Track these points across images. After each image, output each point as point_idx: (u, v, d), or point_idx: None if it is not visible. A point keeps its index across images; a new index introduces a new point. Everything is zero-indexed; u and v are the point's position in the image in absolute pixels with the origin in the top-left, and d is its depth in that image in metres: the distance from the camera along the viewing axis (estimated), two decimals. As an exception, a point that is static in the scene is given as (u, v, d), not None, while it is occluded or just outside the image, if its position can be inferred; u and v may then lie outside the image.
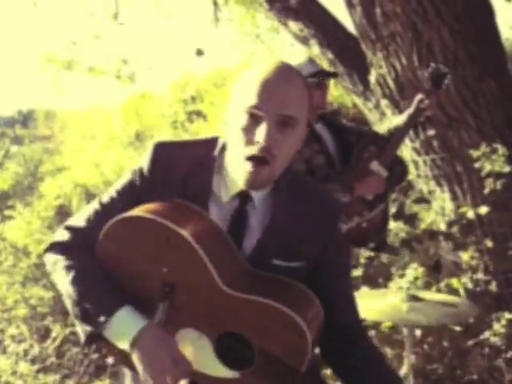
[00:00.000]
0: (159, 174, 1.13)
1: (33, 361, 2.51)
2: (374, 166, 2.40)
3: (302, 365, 1.02)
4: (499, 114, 2.90)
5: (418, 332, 2.49)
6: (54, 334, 2.70)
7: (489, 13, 2.98)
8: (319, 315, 1.09)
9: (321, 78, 2.41)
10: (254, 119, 1.04)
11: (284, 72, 1.06)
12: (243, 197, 1.13)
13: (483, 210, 2.72)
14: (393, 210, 3.33)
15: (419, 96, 2.43)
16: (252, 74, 1.07)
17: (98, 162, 6.29)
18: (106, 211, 1.15)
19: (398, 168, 2.51)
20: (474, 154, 2.62)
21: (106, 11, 5.08)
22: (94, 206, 1.18)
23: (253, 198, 1.13)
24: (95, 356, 2.65)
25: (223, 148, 1.15)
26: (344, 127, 2.62)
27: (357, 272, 2.60)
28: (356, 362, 1.16)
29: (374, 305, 1.80)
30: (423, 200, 3.24)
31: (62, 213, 5.60)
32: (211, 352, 1.07)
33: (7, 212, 4.96)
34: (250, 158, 1.04)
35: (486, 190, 2.64)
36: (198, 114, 6.74)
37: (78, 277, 1.10)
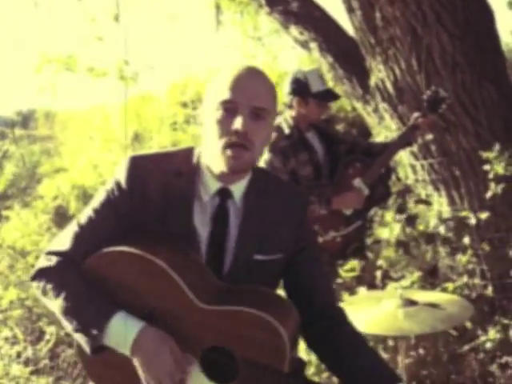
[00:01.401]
0: (137, 185, 1.15)
1: (26, 363, 2.50)
2: (357, 182, 2.43)
3: (284, 365, 1.05)
4: (497, 118, 2.90)
5: (413, 336, 2.48)
6: (47, 337, 2.69)
7: (489, 18, 2.98)
8: (293, 315, 1.13)
9: (326, 100, 2.46)
10: (228, 112, 1.10)
11: (253, 69, 1.15)
12: (223, 194, 1.17)
13: (483, 215, 2.72)
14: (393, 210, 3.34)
15: (415, 115, 2.45)
16: (223, 74, 1.14)
17: (96, 163, 6.29)
18: (86, 233, 1.16)
19: (380, 189, 2.53)
20: (485, 155, 2.59)
21: (107, 13, 5.08)
22: (74, 228, 1.19)
23: (232, 193, 1.17)
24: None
25: (199, 155, 1.19)
26: (335, 137, 2.65)
27: (352, 273, 2.59)
28: (340, 342, 1.17)
29: (368, 315, 1.79)
30: (425, 201, 3.24)
31: (60, 214, 5.59)
32: (197, 370, 1.10)
33: (5, 213, 4.96)
34: (229, 145, 1.09)
35: (489, 194, 2.63)
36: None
37: (69, 295, 1.11)
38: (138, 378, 1.10)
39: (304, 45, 3.62)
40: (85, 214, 1.19)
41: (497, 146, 2.63)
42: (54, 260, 1.16)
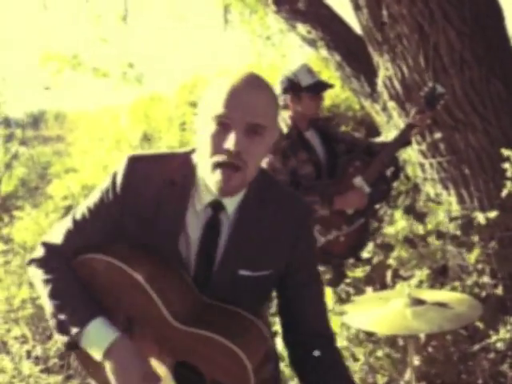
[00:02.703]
0: (131, 190, 1.13)
1: (36, 362, 2.52)
2: (358, 181, 2.42)
3: None
4: (506, 116, 2.87)
5: (422, 336, 2.47)
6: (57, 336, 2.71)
7: (497, 14, 2.95)
8: (263, 345, 1.12)
9: (317, 91, 2.44)
10: (222, 127, 1.04)
11: (251, 81, 1.07)
12: (216, 206, 1.13)
13: (493, 214, 2.69)
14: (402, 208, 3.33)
15: (412, 111, 2.44)
16: (220, 84, 1.07)
17: (106, 163, 6.34)
18: (78, 231, 1.17)
19: (382, 186, 2.52)
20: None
21: (115, 13, 5.12)
22: (68, 223, 1.19)
23: (225, 206, 1.13)
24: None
25: (196, 164, 1.15)
26: (335, 136, 2.63)
27: (358, 273, 2.59)
28: (321, 372, 1.17)
29: (376, 314, 1.79)
30: (434, 201, 3.22)
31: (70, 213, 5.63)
32: (171, 379, 1.12)
33: (15, 213, 5.01)
34: (219, 165, 1.04)
35: (504, 192, 2.59)
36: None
37: (54, 290, 1.13)
38: None
39: (311, 43, 3.62)
40: (80, 211, 1.19)
41: None
42: (46, 251, 1.18)
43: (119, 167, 1.15)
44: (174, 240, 1.13)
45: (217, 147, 1.04)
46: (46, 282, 1.14)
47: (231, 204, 1.13)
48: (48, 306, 1.13)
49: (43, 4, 5.57)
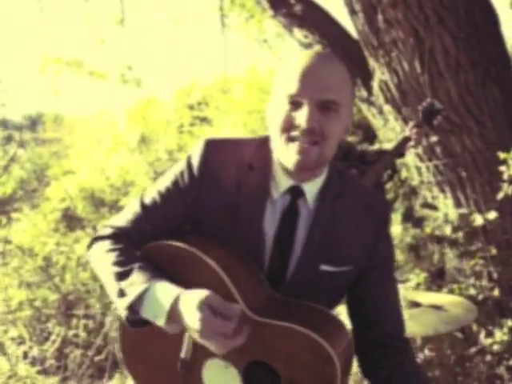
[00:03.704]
0: (210, 173, 1.08)
1: (32, 363, 2.52)
2: None
3: None
4: (502, 119, 2.89)
5: (419, 338, 2.48)
6: (53, 337, 2.72)
7: (492, 19, 2.97)
8: (348, 342, 1.03)
9: None
10: (296, 106, 1.01)
11: (323, 58, 1.04)
12: (295, 192, 1.07)
13: (491, 215, 2.70)
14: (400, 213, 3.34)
15: (410, 125, 2.46)
16: (291, 63, 1.04)
17: (104, 166, 6.35)
18: (148, 215, 1.10)
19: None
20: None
21: (112, 17, 5.13)
22: (136, 207, 1.12)
23: (304, 192, 1.07)
24: (95, 358, 2.66)
25: (272, 149, 1.10)
26: None
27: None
28: (399, 379, 1.07)
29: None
30: (430, 206, 3.24)
31: (68, 215, 5.64)
32: (239, 382, 1.03)
33: (14, 214, 5.01)
34: (294, 139, 1.00)
35: (500, 195, 2.61)
36: (203, 119, 6.78)
37: (119, 257, 1.06)
38: (172, 376, 1.07)
39: (308, 47, 3.63)
40: (149, 195, 1.12)
41: None
42: (111, 231, 1.12)
43: (195, 150, 1.10)
44: (256, 229, 1.06)
45: (290, 124, 1.01)
46: (112, 250, 1.07)
47: (311, 190, 1.08)
48: (109, 273, 1.05)
49: (40, 7, 5.58)
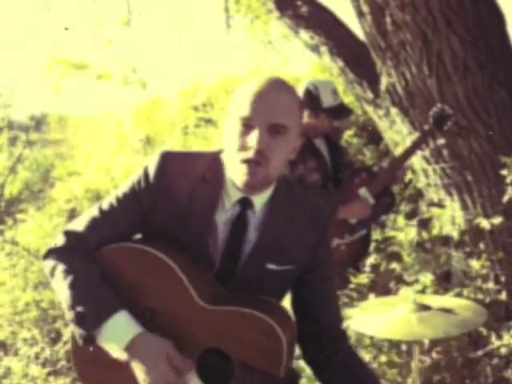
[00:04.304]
0: (165, 183, 1.17)
1: (44, 364, 2.53)
2: (363, 192, 2.45)
3: (279, 371, 1.07)
4: (509, 122, 2.89)
5: (426, 341, 2.48)
6: (64, 338, 2.73)
7: (499, 21, 2.97)
8: (291, 324, 1.16)
9: (338, 116, 2.46)
10: (247, 128, 1.12)
11: (274, 84, 1.14)
12: (244, 203, 1.19)
13: (497, 220, 2.70)
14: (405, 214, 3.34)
15: (421, 130, 2.47)
16: (245, 88, 1.15)
17: (109, 166, 6.37)
18: (105, 220, 1.18)
19: (386, 198, 2.55)
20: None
21: (118, 17, 5.14)
22: (94, 212, 1.20)
23: (253, 203, 1.19)
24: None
25: (224, 163, 1.21)
26: (341, 147, 2.67)
27: (363, 279, 2.60)
28: (337, 363, 1.23)
29: (381, 319, 1.80)
30: (438, 205, 3.23)
31: (74, 216, 5.66)
32: (193, 373, 1.11)
33: (19, 216, 5.03)
34: (245, 161, 1.11)
35: (505, 198, 2.61)
36: (208, 120, 6.80)
37: (75, 281, 1.12)
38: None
39: (314, 49, 3.63)
40: (107, 201, 1.20)
41: None
42: (67, 240, 1.17)
43: (151, 161, 1.19)
44: (204, 236, 1.17)
45: (242, 145, 1.12)
46: (67, 272, 1.13)
47: (259, 201, 1.20)
48: (66, 297, 1.11)
49: (46, 7, 5.60)
